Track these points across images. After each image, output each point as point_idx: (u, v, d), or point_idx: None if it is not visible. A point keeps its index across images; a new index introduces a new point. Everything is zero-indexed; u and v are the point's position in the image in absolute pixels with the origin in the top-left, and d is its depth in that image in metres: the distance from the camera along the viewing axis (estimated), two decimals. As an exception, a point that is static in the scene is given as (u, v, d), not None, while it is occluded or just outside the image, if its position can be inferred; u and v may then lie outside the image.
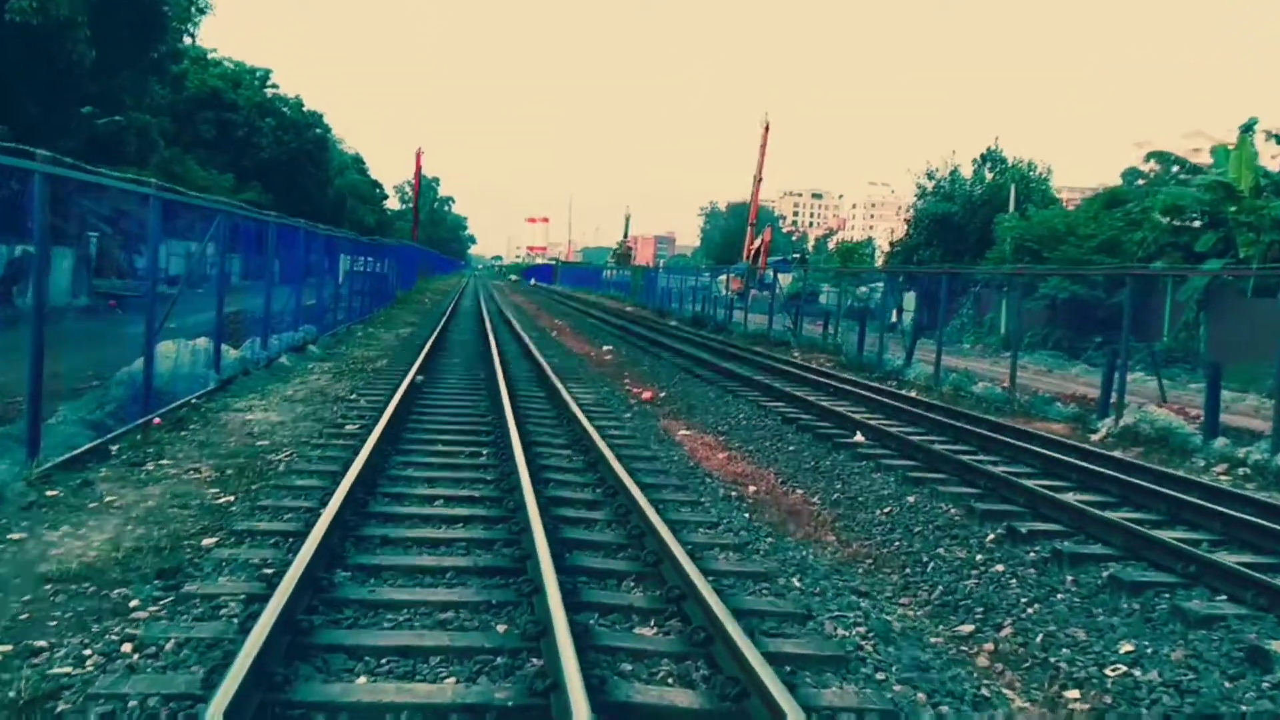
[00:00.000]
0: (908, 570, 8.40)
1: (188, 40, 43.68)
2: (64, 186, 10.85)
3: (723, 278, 56.99)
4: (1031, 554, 8.44)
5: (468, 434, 11.62)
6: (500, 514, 7.93)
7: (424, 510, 7.98)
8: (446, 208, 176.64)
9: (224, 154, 61.77)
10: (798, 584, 6.97)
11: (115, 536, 6.89)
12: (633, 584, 6.53)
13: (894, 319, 28.49)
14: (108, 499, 7.92)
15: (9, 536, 6.75)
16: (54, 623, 5.31)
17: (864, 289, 49.32)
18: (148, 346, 11.86)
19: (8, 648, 4.96)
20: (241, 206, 17.40)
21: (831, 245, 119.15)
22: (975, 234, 45.09)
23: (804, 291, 47.99)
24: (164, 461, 9.52)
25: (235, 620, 5.29)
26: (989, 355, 33.78)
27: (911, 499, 10.32)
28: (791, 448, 13.24)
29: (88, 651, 4.93)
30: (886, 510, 10.05)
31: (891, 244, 53.59)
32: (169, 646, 4.96)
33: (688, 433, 14.38)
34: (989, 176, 49.15)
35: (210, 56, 65.96)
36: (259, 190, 57.88)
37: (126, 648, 4.97)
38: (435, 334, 25.27)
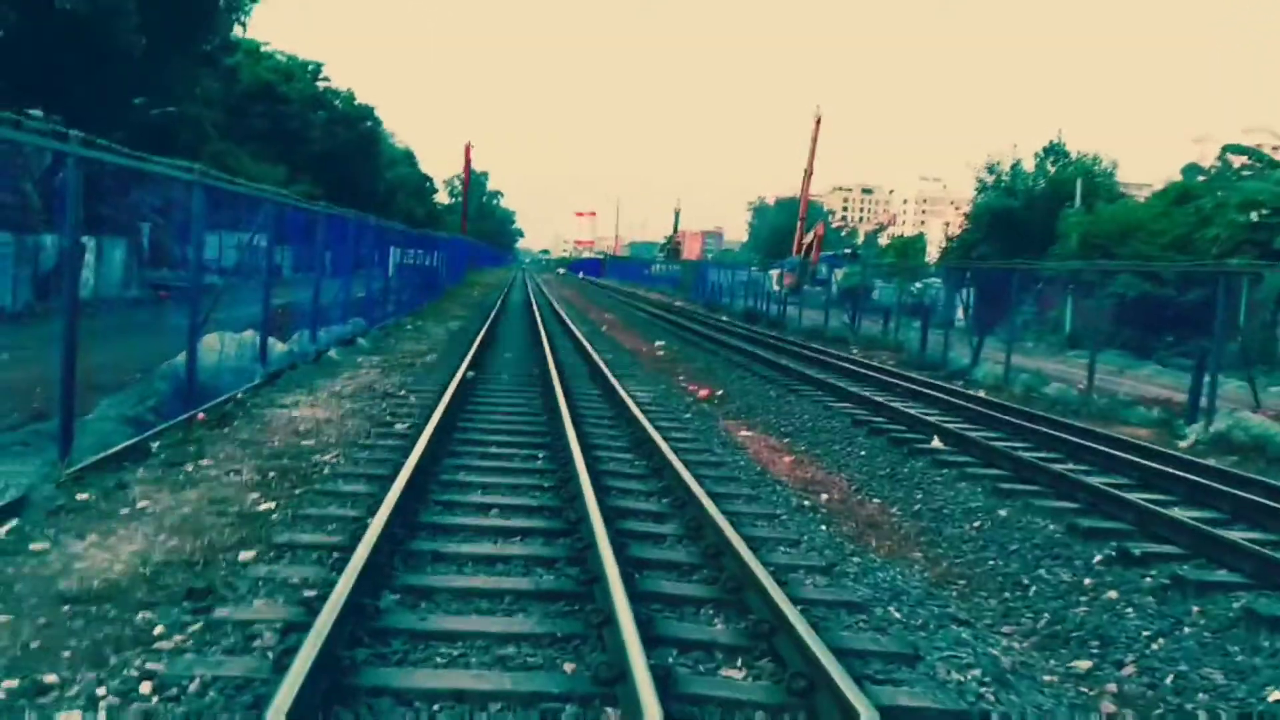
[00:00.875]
0: (1006, 594, 7.62)
1: (238, 30, 43.45)
2: (113, 175, 10.39)
3: (774, 272, 56.15)
4: (1147, 579, 7.62)
5: (522, 434, 10.98)
6: (561, 526, 7.26)
7: (478, 521, 7.33)
8: (495, 202, 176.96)
9: (276, 147, 61.85)
10: (896, 614, 6.22)
11: (145, 548, 6.30)
12: (713, 613, 5.83)
13: (960, 316, 27.48)
14: (141, 504, 7.36)
15: (31, 547, 6.19)
16: (68, 653, 4.71)
17: (918, 285, 48.19)
18: (190, 340, 11.36)
19: (13, 683, 4.37)
20: (288, 196, 16.91)
21: (883, 240, 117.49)
22: (1037, 229, 43.72)
23: (859, 287, 47.00)
24: (204, 462, 8.96)
25: (270, 655, 4.66)
26: (1053, 354, 32.65)
27: (1003, 513, 9.52)
28: (863, 452, 12.46)
29: (101, 690, 4.33)
30: (976, 525, 9.25)
31: (949, 239, 52.34)
32: (193, 687, 4.34)
33: (750, 434, 13.67)
34: (1051, 170, 47.78)
35: (263, 49, 66.17)
36: (310, 183, 57.83)
37: (145, 688, 4.35)
38: (485, 328, 24.73)
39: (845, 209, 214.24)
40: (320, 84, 68.25)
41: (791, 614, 5.24)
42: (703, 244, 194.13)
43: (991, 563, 8.29)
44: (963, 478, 10.87)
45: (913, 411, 14.75)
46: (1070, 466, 11.31)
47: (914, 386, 17.99)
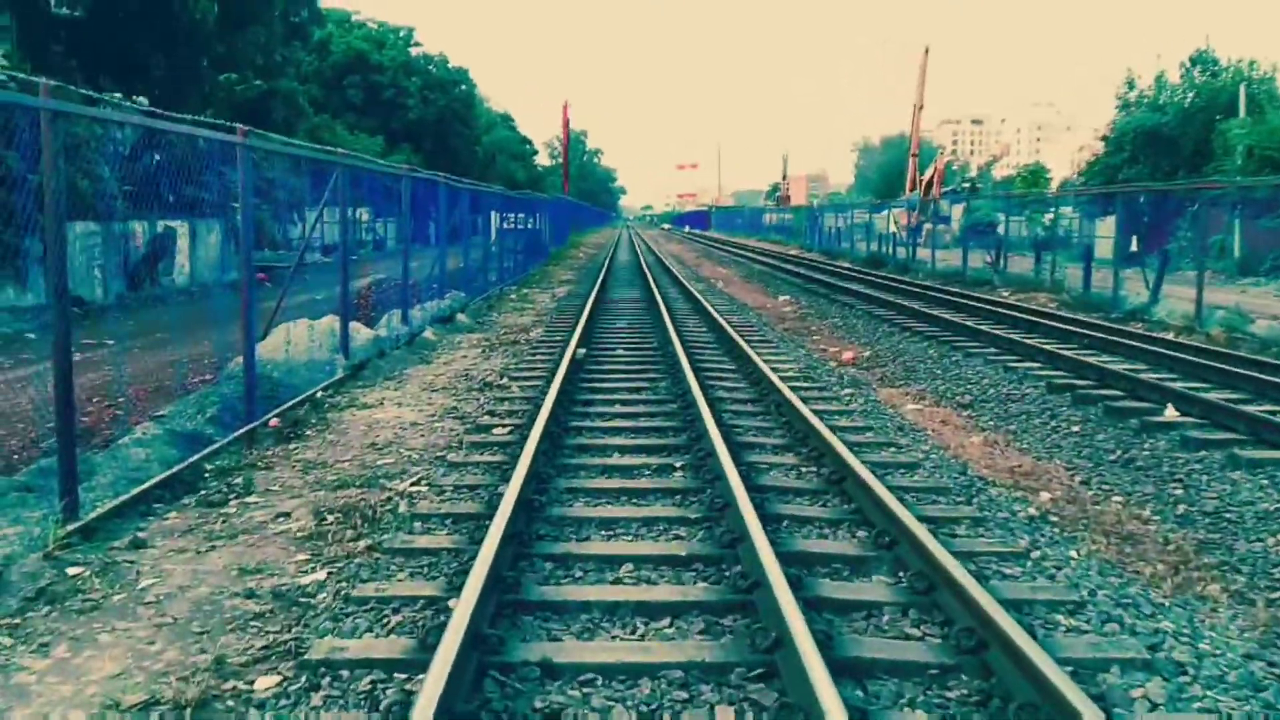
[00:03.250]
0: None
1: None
2: (202, 155, 8.91)
3: (891, 213, 52.81)
4: None
5: (651, 434, 8.75)
6: (727, 598, 4.99)
7: (607, 593, 5.09)
8: (595, 160, 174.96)
9: (372, 118, 60.80)
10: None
11: (123, 671, 4.28)
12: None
13: (1134, 248, 24.25)
14: (145, 582, 5.36)
15: (-39, 677, 4.22)
16: None
17: (1049, 217, 44.54)
18: (246, 335, 9.39)
19: None
20: (358, 156, 14.93)
21: (996, 173, 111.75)
22: (1190, 147, 39.65)
23: (983, 222, 43.69)
24: (251, 499, 6.98)
25: None
26: (1222, 283, 29.09)
27: (1320, 519, 6.96)
28: (1075, 428, 9.93)
29: None
30: (1283, 537, 6.73)
31: (1089, 162, 48.15)
32: None
33: (918, 408, 11.25)
34: (1199, 80, 43.29)
35: (353, 19, 65.02)
36: (408, 152, 56.62)
37: None
38: (594, 292, 22.59)
39: (955, 142, 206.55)
40: (412, 50, 66.77)
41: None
42: (807, 189, 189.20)
43: (1335, 601, 5.78)
44: (1234, 463, 8.26)
45: (1116, 368, 12.09)
46: (1373, 440, 8.60)
47: (1098, 334, 15.20)
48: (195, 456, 7.94)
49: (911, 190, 65.91)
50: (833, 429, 8.46)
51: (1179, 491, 7.79)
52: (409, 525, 6.16)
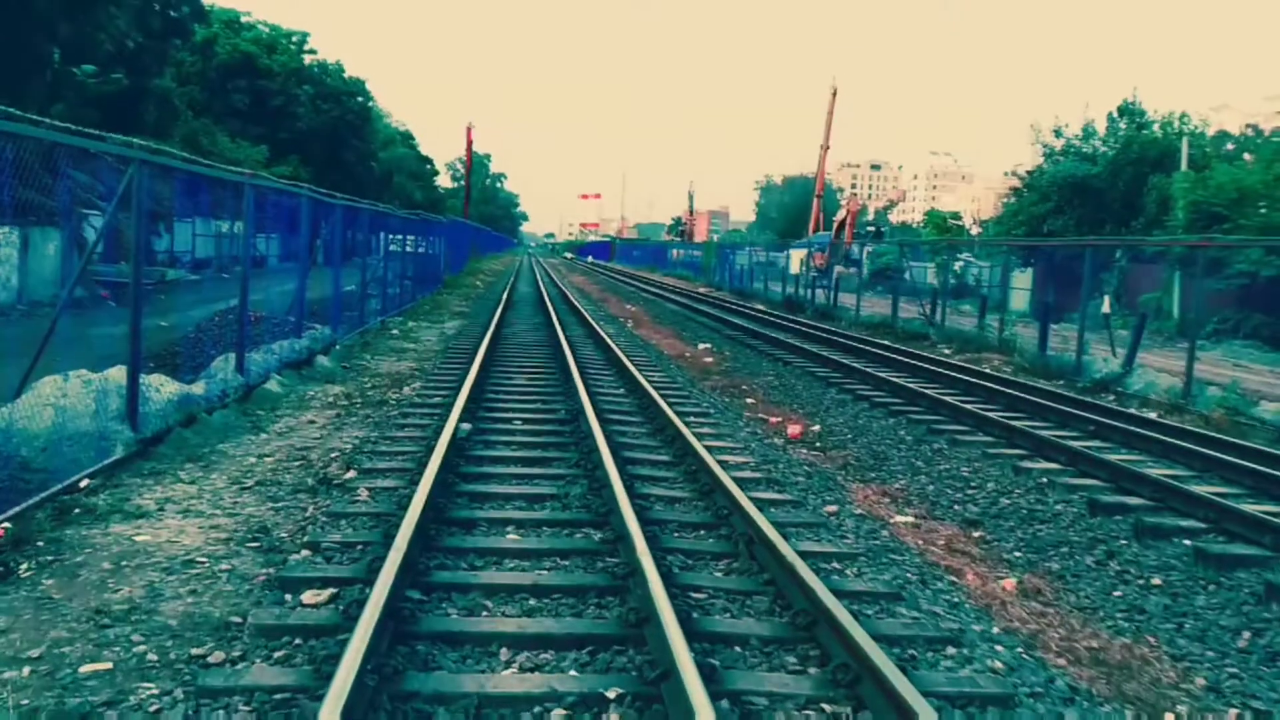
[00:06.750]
0: None
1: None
2: (41, 155, 7.48)
3: (795, 253, 50.90)
4: None
5: (559, 603, 5.51)
6: None
7: None
8: (498, 184, 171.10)
9: (259, 125, 56.37)
10: None
11: None
12: None
13: (1105, 309, 21.97)
14: None
15: None
16: None
17: (959, 264, 42.95)
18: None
19: None
20: (171, 152, 11.46)
21: (893, 218, 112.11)
22: (1119, 199, 38.14)
23: (890, 267, 42.10)
24: None
25: None
26: (1161, 345, 27.07)
27: None
28: (1155, 581, 7.05)
29: None
30: None
31: (1009, 209, 46.51)
32: None
33: (908, 521, 8.38)
34: (1123, 130, 42.03)
35: (243, 20, 60.62)
36: (296, 164, 52.48)
37: None
38: (490, 332, 19.27)
39: (854, 186, 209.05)
40: (306, 56, 62.49)
41: None
42: (709, 225, 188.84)
43: None
44: None
45: (1161, 475, 9.31)
46: None
47: (1104, 419, 12.51)
48: None
49: (815, 231, 64.16)
50: (840, 597, 5.42)
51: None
52: None
